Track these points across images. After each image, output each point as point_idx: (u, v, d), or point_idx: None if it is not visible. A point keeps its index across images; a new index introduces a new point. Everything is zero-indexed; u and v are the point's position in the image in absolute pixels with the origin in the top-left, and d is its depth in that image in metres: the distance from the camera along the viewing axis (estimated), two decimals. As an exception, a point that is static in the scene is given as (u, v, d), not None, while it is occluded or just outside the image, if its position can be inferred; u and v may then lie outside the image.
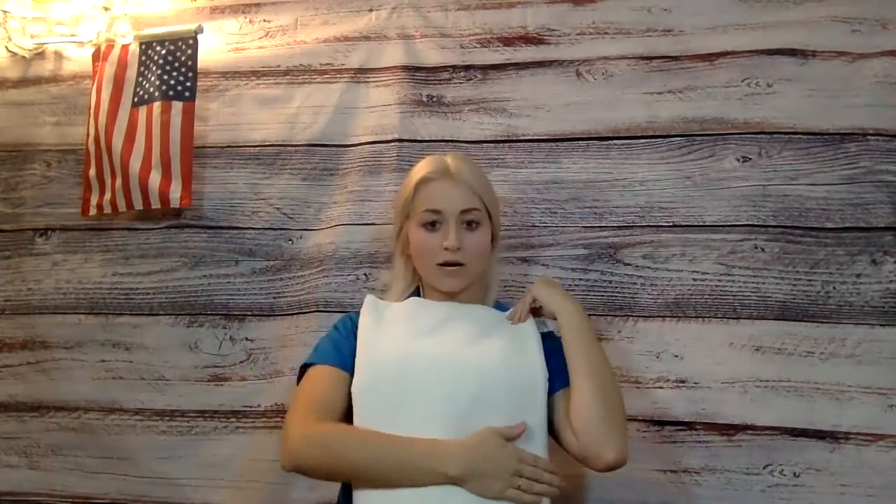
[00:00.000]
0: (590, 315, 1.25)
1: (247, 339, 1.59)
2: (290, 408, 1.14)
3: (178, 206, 1.59)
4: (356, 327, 1.19)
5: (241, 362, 1.59)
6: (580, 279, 1.49)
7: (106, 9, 1.66)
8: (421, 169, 1.27)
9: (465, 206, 1.22)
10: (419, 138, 1.58)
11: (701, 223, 1.47)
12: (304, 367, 1.19)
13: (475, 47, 1.60)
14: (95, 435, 1.61)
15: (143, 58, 1.64)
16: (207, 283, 1.62)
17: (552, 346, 1.18)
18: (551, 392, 1.14)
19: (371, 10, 1.64)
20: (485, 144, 1.56)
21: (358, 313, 1.23)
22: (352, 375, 1.13)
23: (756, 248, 1.45)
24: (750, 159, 1.47)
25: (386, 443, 1.05)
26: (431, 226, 1.23)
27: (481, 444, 1.03)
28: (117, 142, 1.62)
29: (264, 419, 1.56)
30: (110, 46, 1.66)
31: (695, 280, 1.46)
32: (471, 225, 1.23)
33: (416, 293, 1.29)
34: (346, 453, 1.05)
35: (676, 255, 1.47)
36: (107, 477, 1.61)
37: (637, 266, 1.48)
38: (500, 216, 1.32)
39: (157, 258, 1.64)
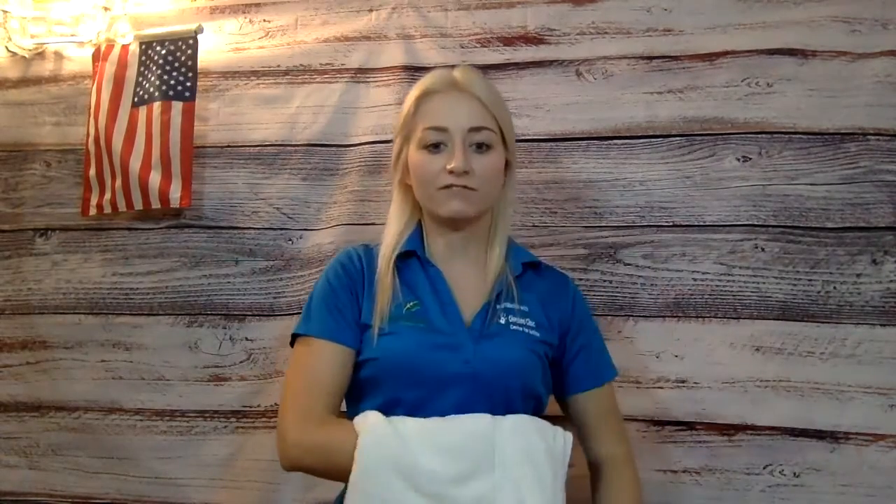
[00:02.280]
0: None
1: (247, 339, 1.59)
2: (283, 393, 1.03)
3: (178, 206, 1.59)
4: (360, 274, 1.05)
5: (241, 362, 1.59)
6: (580, 279, 1.48)
7: (106, 9, 1.66)
8: (424, 82, 1.08)
9: (474, 123, 1.03)
10: (419, 138, 1.58)
11: (701, 223, 1.47)
12: (296, 335, 1.06)
13: (475, 47, 1.60)
14: (95, 435, 1.61)
15: (143, 58, 1.64)
16: (207, 283, 1.61)
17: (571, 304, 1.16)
18: (576, 391, 1.10)
19: (371, 10, 1.64)
20: (485, 144, 1.56)
21: (351, 252, 1.09)
22: (355, 349, 1.01)
23: (756, 247, 1.45)
24: (750, 159, 1.47)
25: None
26: (434, 147, 1.04)
27: None
28: (117, 142, 1.62)
29: (264, 419, 1.56)
30: (110, 46, 1.66)
31: (695, 280, 1.46)
32: (481, 147, 1.04)
33: (418, 230, 1.13)
34: (348, 461, 0.96)
35: (676, 255, 1.47)
36: (107, 477, 1.61)
37: (637, 266, 1.48)
38: (515, 140, 1.14)
39: (157, 258, 1.64)
